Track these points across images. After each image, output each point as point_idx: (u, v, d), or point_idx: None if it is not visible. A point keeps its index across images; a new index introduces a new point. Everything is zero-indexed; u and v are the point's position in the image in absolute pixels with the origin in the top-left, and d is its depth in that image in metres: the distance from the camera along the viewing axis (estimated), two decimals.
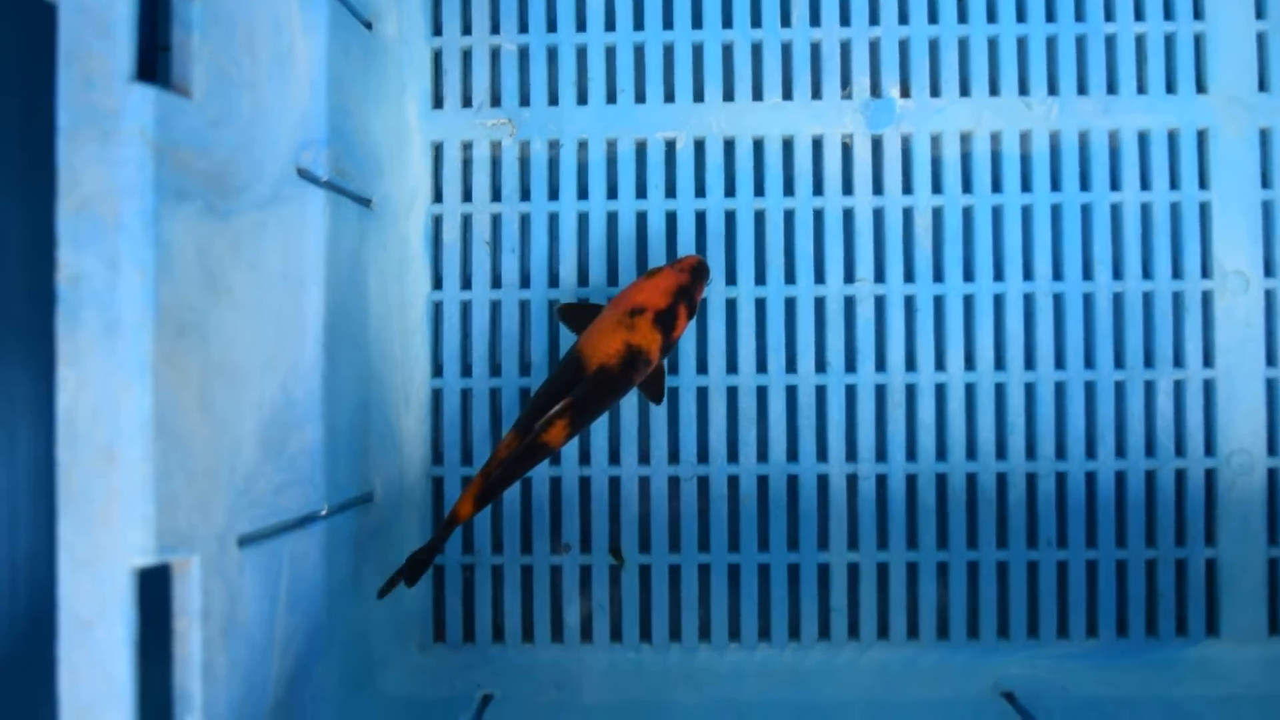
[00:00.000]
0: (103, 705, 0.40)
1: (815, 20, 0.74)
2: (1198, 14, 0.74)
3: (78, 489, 0.41)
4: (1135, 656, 0.71)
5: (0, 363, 0.55)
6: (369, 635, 0.68)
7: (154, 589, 0.42)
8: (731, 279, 0.73)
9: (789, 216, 0.73)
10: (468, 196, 0.74)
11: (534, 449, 0.62)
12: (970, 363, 0.73)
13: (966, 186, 0.73)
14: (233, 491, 0.49)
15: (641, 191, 0.74)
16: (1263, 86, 0.73)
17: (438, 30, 0.75)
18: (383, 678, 0.69)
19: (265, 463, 0.53)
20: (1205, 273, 0.73)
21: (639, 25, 0.74)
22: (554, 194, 0.74)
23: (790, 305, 0.73)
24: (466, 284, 0.74)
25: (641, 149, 0.74)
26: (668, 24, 0.74)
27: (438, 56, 0.75)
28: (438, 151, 0.74)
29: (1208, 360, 0.73)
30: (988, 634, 0.72)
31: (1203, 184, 0.73)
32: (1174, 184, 0.73)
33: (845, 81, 0.74)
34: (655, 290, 0.65)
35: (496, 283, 0.74)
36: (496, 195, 0.74)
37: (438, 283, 0.74)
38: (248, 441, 0.51)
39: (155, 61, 0.51)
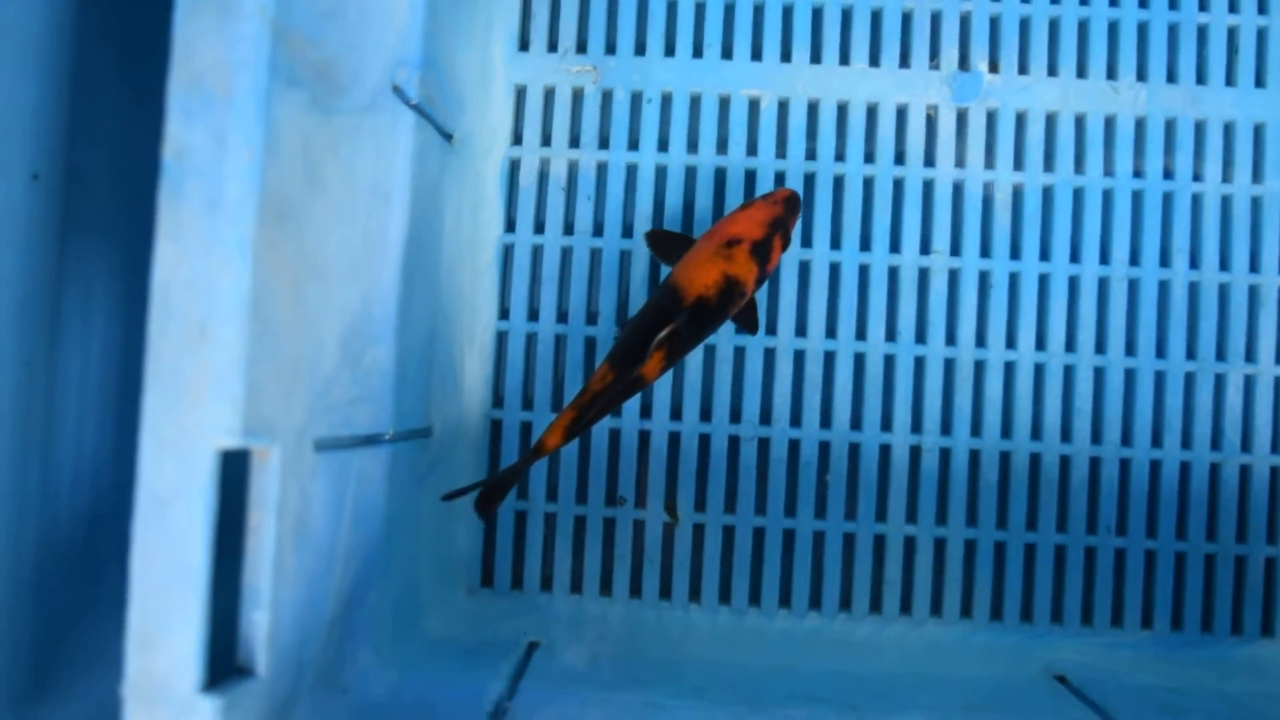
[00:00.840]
0: (175, 585, 0.39)
1: None
2: None
3: (167, 365, 0.40)
4: (1188, 650, 0.70)
5: (82, 254, 0.54)
6: (418, 573, 0.67)
7: (225, 485, 0.41)
8: (807, 242, 0.72)
9: (868, 183, 0.73)
10: (547, 141, 0.73)
11: (629, 382, 0.61)
12: (1041, 343, 0.72)
13: (1048, 166, 0.73)
14: (312, 392, 0.49)
15: (722, 148, 0.73)
16: None
17: None
18: (428, 618, 0.68)
19: (343, 371, 0.53)
20: None
21: None
22: (634, 144, 0.73)
23: (864, 272, 0.72)
24: (539, 229, 0.73)
25: (725, 105, 0.73)
26: None
27: None
28: (520, 94, 0.74)
29: None
30: (1041, 618, 0.71)
31: None
32: (1256, 177, 0.72)
33: (934, 52, 0.73)
34: (750, 222, 0.64)
35: (569, 229, 0.73)
36: (575, 142, 0.73)
37: (510, 225, 0.73)
38: (329, 345, 0.51)
39: None
